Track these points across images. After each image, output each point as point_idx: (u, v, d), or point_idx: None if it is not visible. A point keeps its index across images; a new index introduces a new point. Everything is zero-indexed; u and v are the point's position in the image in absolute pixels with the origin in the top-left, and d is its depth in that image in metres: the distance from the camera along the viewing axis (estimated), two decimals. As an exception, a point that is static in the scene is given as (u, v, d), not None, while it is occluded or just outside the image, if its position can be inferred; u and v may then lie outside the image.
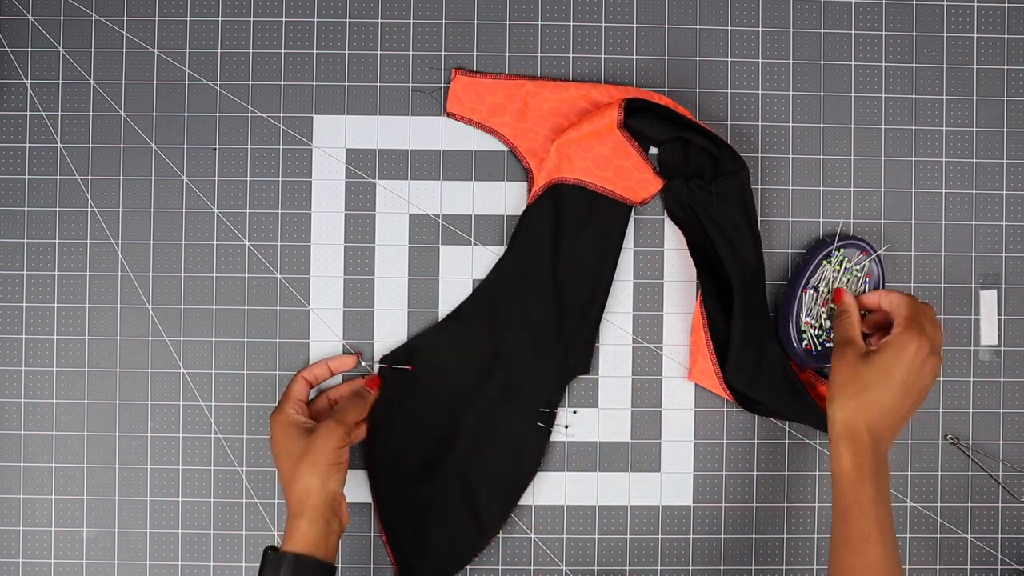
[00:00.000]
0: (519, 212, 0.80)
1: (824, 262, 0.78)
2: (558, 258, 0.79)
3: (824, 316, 0.78)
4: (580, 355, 0.79)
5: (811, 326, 0.78)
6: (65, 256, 0.80)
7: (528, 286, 0.79)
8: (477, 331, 0.78)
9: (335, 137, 0.81)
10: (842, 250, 0.78)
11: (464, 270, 0.81)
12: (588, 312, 0.79)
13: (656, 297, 0.81)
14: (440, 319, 0.80)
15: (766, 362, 0.78)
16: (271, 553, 0.68)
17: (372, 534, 0.80)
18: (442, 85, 0.81)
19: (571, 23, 0.81)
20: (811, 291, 0.78)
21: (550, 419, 0.79)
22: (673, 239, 0.81)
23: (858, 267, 0.78)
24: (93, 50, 0.80)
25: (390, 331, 0.80)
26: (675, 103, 0.78)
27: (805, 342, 0.78)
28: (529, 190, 0.80)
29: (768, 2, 0.82)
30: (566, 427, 0.80)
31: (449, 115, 0.80)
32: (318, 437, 0.70)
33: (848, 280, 0.78)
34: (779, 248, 0.81)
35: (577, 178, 0.78)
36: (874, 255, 0.78)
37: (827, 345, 0.78)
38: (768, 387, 0.78)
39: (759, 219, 0.79)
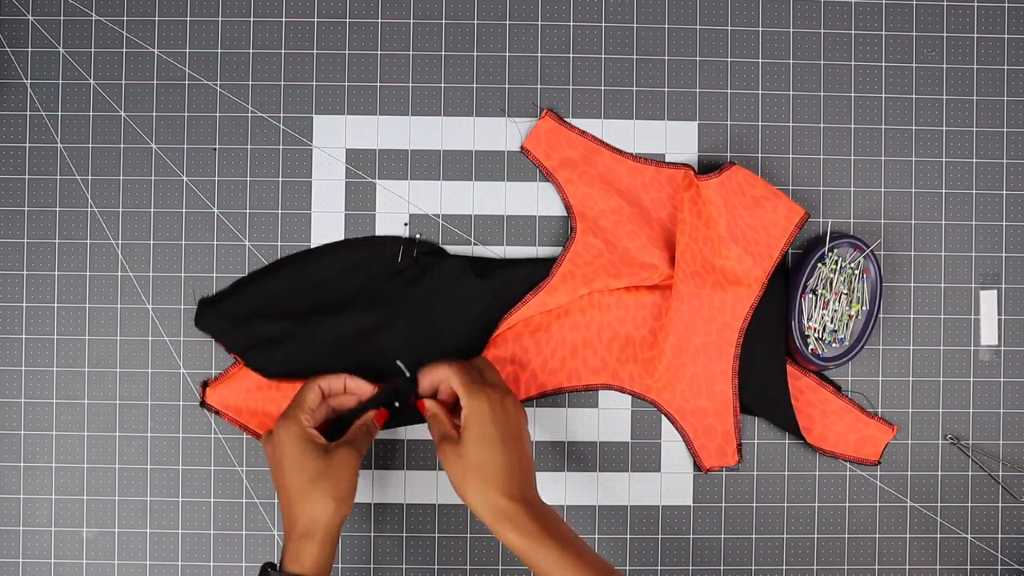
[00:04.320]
0: (519, 212, 0.80)
1: (819, 264, 0.78)
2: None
3: (827, 319, 0.78)
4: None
5: (814, 330, 0.78)
6: (65, 256, 0.80)
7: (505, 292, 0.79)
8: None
9: (335, 137, 0.81)
10: (835, 250, 0.78)
11: (464, 270, 0.80)
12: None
13: (656, 297, 0.81)
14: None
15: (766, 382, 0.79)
16: (273, 572, 0.67)
17: (372, 534, 0.80)
18: (537, 118, 0.80)
19: (571, 23, 0.81)
20: (809, 295, 0.78)
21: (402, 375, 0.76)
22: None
23: (853, 264, 0.78)
24: (93, 50, 0.80)
25: (390, 331, 0.80)
26: (754, 176, 0.78)
27: (811, 346, 0.78)
28: (568, 235, 0.79)
29: (768, 2, 0.82)
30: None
31: (523, 150, 0.80)
32: (340, 463, 0.69)
33: (845, 279, 0.78)
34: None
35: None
36: (867, 251, 0.78)
37: (833, 346, 0.78)
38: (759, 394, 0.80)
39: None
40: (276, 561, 0.78)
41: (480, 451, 0.68)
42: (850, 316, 0.78)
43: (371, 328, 0.78)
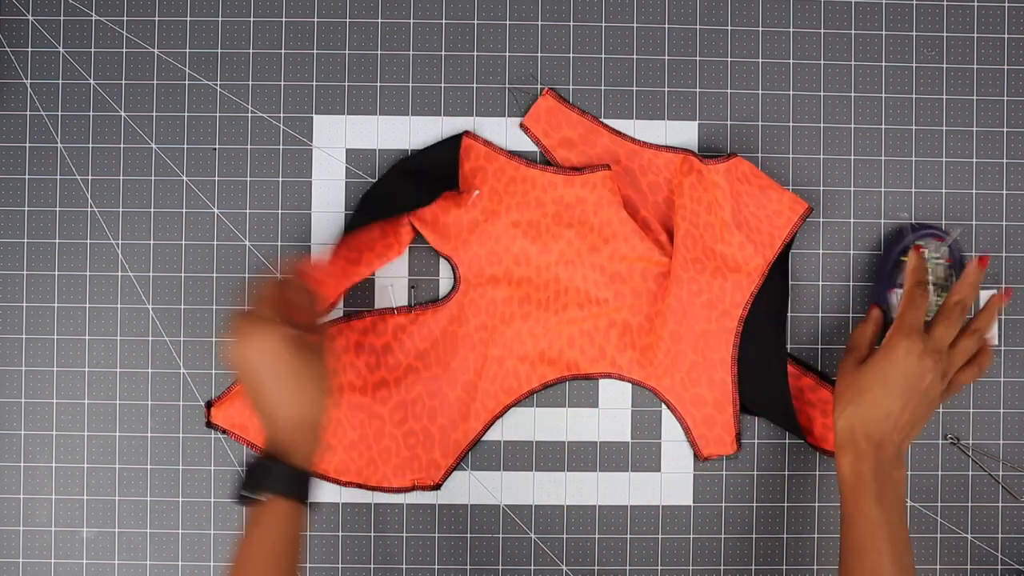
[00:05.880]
0: (519, 212, 0.80)
1: (902, 258, 0.78)
2: None
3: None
4: None
5: None
6: (65, 256, 0.80)
7: None
8: None
9: (335, 137, 0.81)
10: (920, 242, 0.78)
11: (464, 270, 0.80)
12: None
13: (656, 297, 0.81)
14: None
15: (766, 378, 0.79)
16: (273, 464, 0.65)
17: (372, 534, 0.80)
18: (538, 86, 0.80)
19: (571, 23, 0.81)
20: (898, 290, 0.78)
21: None
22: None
23: (936, 254, 0.78)
24: (93, 50, 0.80)
25: (390, 331, 0.80)
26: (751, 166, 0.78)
27: None
28: None
29: (768, 2, 0.82)
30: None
31: (522, 127, 0.80)
32: (325, 362, 0.67)
33: (931, 269, 0.78)
34: (779, 248, 0.81)
35: None
36: (950, 240, 0.78)
37: None
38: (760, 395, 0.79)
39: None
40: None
41: (872, 384, 0.70)
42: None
43: None
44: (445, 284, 0.80)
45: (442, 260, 0.80)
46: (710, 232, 0.77)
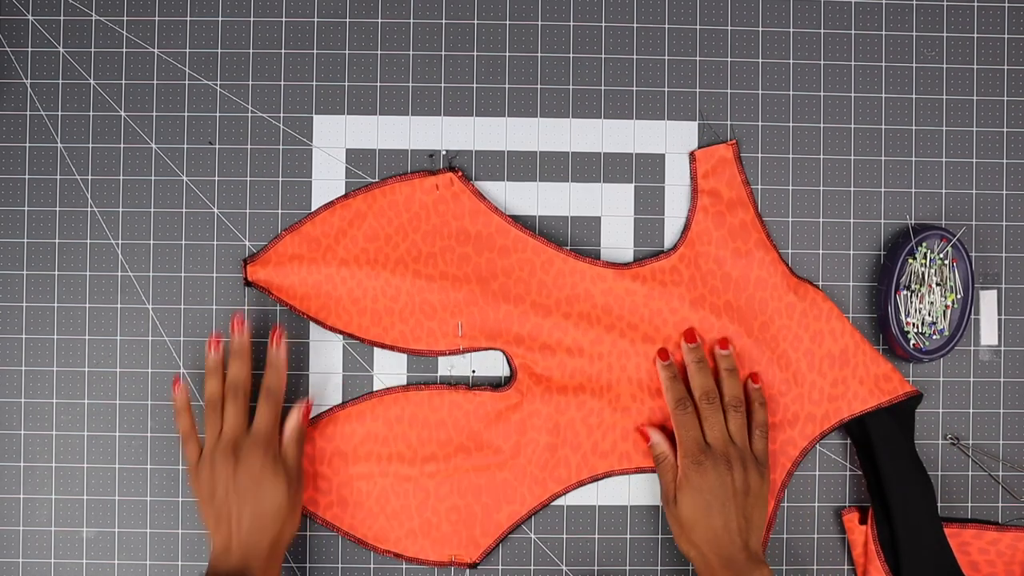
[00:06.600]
0: (519, 212, 0.80)
1: (909, 259, 0.78)
2: None
3: (924, 312, 0.78)
4: None
5: (913, 325, 0.78)
6: (65, 256, 0.80)
7: None
8: None
9: (335, 137, 0.81)
10: (924, 243, 0.78)
11: (464, 270, 0.80)
12: None
13: (656, 297, 0.81)
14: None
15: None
16: None
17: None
18: (728, 123, 0.80)
19: (571, 23, 0.81)
20: (904, 292, 0.78)
21: None
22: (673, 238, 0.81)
23: (941, 255, 0.78)
24: (93, 50, 0.80)
25: (390, 331, 0.80)
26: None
27: (912, 341, 0.78)
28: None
29: (768, 2, 0.82)
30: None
31: (691, 156, 0.80)
32: (302, 486, 0.75)
33: (935, 270, 0.78)
34: (781, 249, 0.81)
35: None
36: (954, 239, 0.78)
37: (934, 338, 0.79)
38: None
39: (762, 219, 0.80)
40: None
41: (695, 521, 0.73)
42: (946, 307, 0.78)
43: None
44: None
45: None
46: (807, 359, 0.78)
